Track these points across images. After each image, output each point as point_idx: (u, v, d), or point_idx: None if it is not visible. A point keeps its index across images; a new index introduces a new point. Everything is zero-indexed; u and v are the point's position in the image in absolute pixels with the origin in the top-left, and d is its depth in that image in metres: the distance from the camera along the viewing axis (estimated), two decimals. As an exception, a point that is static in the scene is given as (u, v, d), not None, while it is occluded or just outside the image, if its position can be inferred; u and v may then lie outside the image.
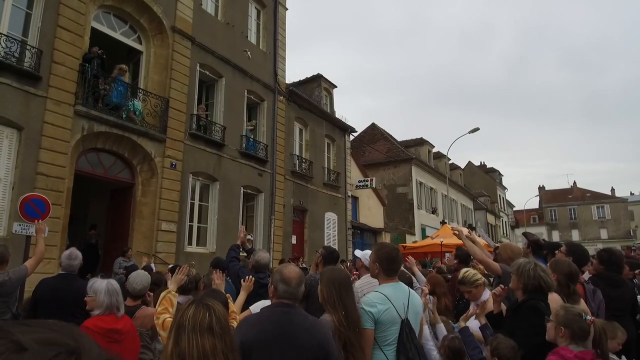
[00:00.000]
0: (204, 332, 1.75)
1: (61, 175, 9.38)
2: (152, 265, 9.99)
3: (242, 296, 3.78)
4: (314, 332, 2.43)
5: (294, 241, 16.95)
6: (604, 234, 61.10)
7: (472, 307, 3.64)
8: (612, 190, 64.10)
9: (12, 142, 8.85)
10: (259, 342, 2.33)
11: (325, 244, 18.53)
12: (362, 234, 23.44)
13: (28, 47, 9.16)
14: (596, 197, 63.98)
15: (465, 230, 4.86)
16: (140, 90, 11.80)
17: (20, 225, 7.10)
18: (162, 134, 11.78)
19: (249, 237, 14.47)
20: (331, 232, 19.54)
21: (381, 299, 2.85)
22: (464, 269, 4.09)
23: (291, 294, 2.51)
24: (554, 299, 3.26)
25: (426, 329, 3.35)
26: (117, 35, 11.69)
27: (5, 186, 8.64)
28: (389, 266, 2.99)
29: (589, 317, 2.64)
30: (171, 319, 2.92)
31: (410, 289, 3.05)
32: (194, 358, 1.70)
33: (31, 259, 4.66)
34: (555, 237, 60.06)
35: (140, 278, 4.02)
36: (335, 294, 2.84)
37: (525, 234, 6.19)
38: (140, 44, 12.35)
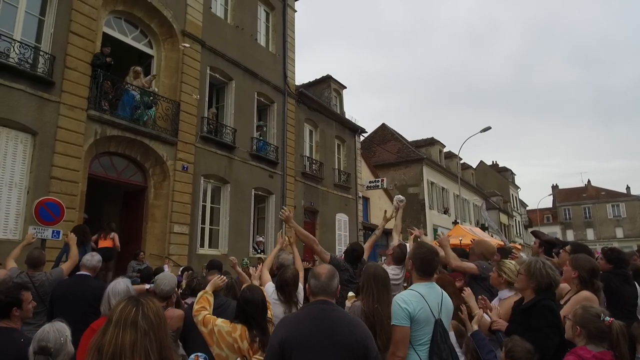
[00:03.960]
0: (126, 326, 1.71)
1: (75, 179, 9.49)
2: (166, 266, 10.02)
3: (275, 250, 4.82)
4: (353, 328, 2.43)
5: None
6: (619, 232, 60.18)
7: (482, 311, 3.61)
8: (628, 188, 63.18)
9: (27, 147, 8.97)
10: (298, 339, 2.35)
11: (337, 246, 18.52)
12: (373, 235, 23.32)
13: (41, 53, 9.29)
14: (611, 196, 63.04)
15: (420, 233, 5.31)
16: (151, 94, 11.89)
17: (35, 228, 7.19)
18: (174, 137, 11.87)
19: (260, 239, 14.58)
20: (342, 233, 19.49)
21: (416, 297, 2.82)
22: (508, 260, 4.05)
23: (321, 288, 2.54)
24: (587, 297, 3.20)
25: (452, 335, 3.33)
26: (128, 40, 11.81)
27: (20, 190, 8.76)
28: (421, 267, 2.99)
29: (607, 318, 2.58)
30: (210, 316, 3.12)
31: (443, 291, 3.03)
32: (109, 351, 1.66)
33: (67, 262, 5.05)
34: (570, 236, 59.31)
35: (167, 280, 4.07)
36: (373, 286, 3.26)
37: (534, 233, 6.08)
38: (151, 48, 12.46)
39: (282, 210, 4.89)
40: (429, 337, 2.76)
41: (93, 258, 4.51)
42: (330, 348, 2.32)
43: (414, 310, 2.75)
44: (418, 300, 2.79)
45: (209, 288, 3.54)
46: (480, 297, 3.57)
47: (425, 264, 2.98)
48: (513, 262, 3.90)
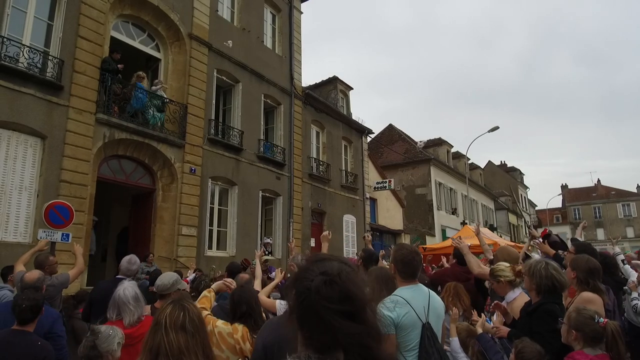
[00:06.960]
0: (178, 329, 1.93)
1: (84, 182, 9.56)
2: (190, 270, 9.92)
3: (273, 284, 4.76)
4: None
5: (312, 244, 16.93)
6: (630, 232, 59.44)
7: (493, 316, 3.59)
8: (638, 187, 62.43)
9: (36, 150, 9.06)
10: (279, 342, 2.39)
11: (344, 247, 18.49)
12: (381, 236, 23.29)
13: (50, 57, 9.37)
14: (621, 195, 62.34)
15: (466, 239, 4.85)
16: (159, 97, 11.95)
17: (45, 232, 7.23)
18: (181, 139, 11.92)
19: (268, 240, 14.59)
20: (350, 234, 19.46)
21: (400, 302, 2.74)
22: (499, 262, 4.01)
23: None
24: (589, 299, 3.16)
25: (455, 341, 3.30)
26: (135, 44, 11.88)
27: (30, 194, 8.84)
28: (403, 269, 2.91)
29: (602, 320, 2.55)
30: (211, 317, 3.18)
31: (430, 291, 2.93)
32: (169, 352, 1.88)
33: (73, 268, 5.27)
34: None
35: (163, 275, 4.00)
36: (384, 289, 3.15)
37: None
38: (159, 51, 12.52)
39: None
40: (417, 341, 2.69)
41: (131, 266, 4.72)
42: None
43: (398, 317, 2.66)
44: (402, 306, 2.71)
45: (213, 287, 3.61)
46: (495, 302, 3.55)
47: (407, 266, 2.90)
48: (502, 263, 3.90)
